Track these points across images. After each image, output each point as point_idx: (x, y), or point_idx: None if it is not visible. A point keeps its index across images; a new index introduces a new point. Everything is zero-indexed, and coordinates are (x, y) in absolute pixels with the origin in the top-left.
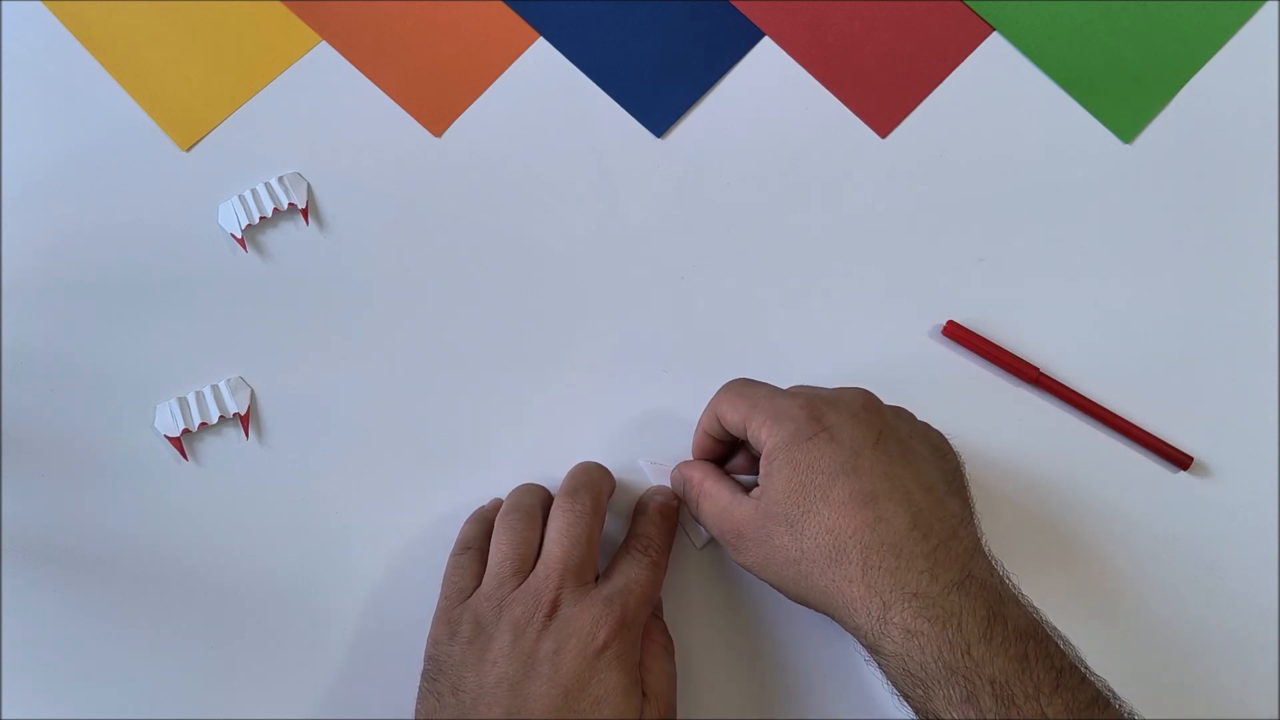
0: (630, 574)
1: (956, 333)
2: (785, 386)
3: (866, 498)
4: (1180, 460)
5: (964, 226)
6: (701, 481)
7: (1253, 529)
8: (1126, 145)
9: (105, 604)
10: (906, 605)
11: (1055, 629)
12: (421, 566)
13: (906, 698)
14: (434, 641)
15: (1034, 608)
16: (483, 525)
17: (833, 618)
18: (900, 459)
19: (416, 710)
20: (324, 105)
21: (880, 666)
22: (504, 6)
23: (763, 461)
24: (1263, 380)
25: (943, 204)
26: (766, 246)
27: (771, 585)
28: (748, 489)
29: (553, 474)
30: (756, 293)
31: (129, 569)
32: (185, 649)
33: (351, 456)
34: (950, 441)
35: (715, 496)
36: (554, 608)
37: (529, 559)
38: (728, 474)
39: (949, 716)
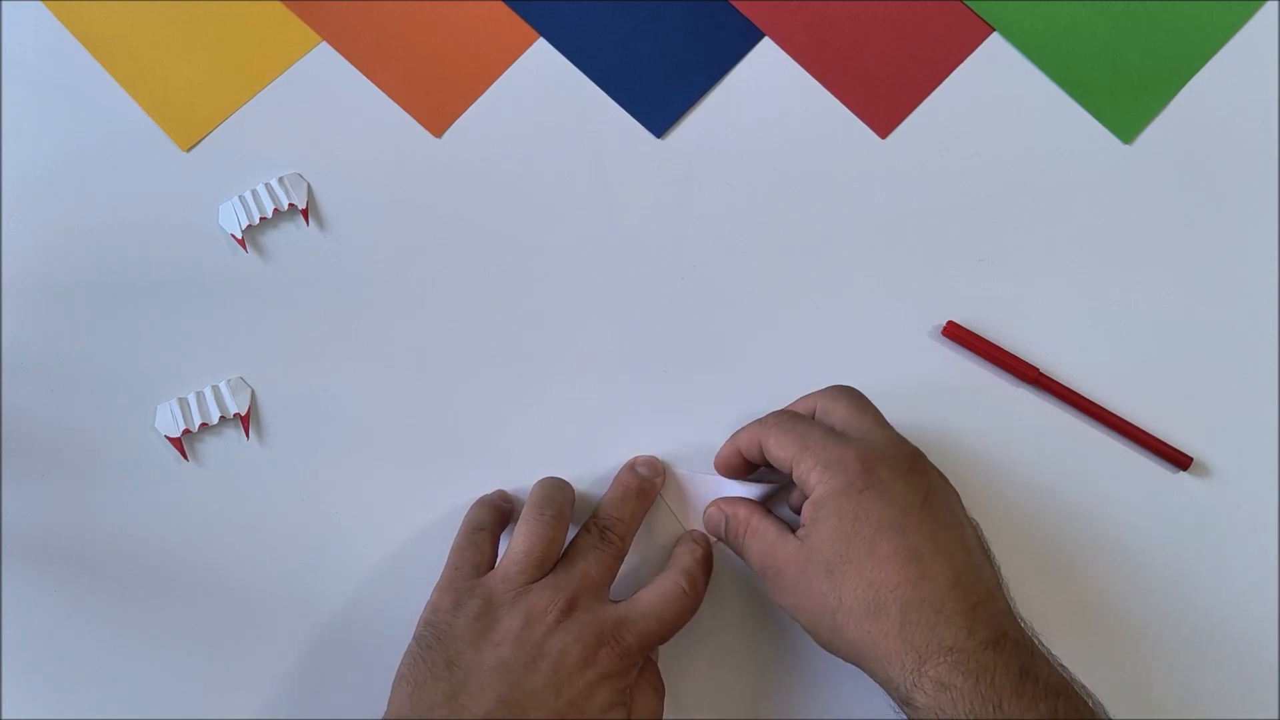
0: (658, 608)
1: (956, 333)
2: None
3: (911, 555)
4: (1180, 460)
5: (964, 226)
6: (749, 519)
7: (1253, 529)
8: (1126, 146)
9: (105, 604)
10: (942, 659)
11: (1084, 687)
12: (422, 566)
13: None
14: (435, 608)
15: (1063, 667)
16: (493, 511)
17: (863, 669)
18: (945, 521)
19: (401, 673)
20: (324, 106)
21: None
22: (504, 6)
23: (810, 506)
24: (1263, 380)
25: (943, 204)
26: (766, 247)
27: (804, 628)
28: (792, 529)
29: (551, 472)
30: (756, 293)
31: (129, 569)
32: (185, 649)
33: (352, 457)
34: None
35: (762, 533)
36: (570, 608)
37: (553, 558)
38: (771, 512)
39: None
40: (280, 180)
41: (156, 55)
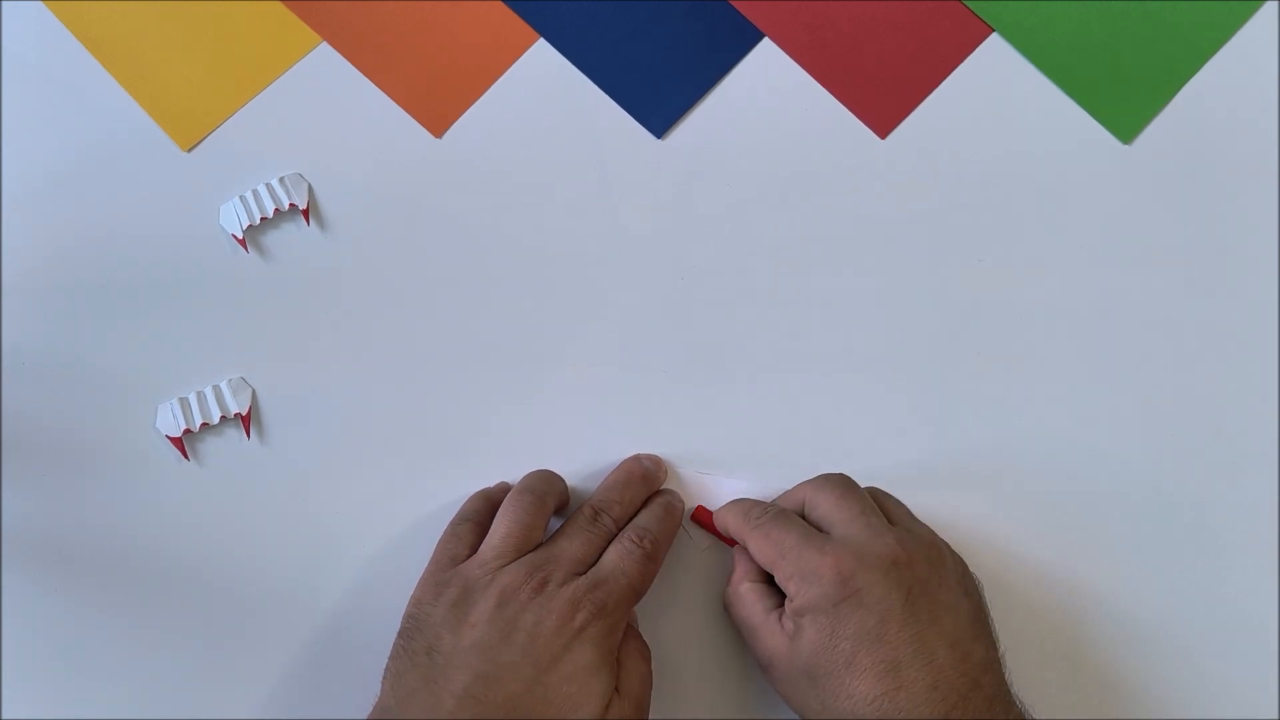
0: (619, 564)
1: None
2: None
3: (890, 667)
4: None
5: (964, 227)
6: (739, 583)
7: (1252, 529)
8: (1126, 146)
9: (105, 604)
10: None
11: None
12: (422, 568)
13: None
14: (417, 602)
15: None
16: (486, 503)
17: None
18: (928, 618)
19: (387, 668)
20: (325, 106)
21: None
22: (504, 7)
23: (791, 613)
24: (1262, 380)
25: (942, 204)
26: (766, 247)
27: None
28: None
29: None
30: (755, 294)
31: (129, 569)
32: (185, 649)
33: (353, 457)
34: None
35: (750, 609)
36: (543, 584)
37: (531, 543)
38: (768, 581)
39: None
40: (281, 180)
41: (157, 55)
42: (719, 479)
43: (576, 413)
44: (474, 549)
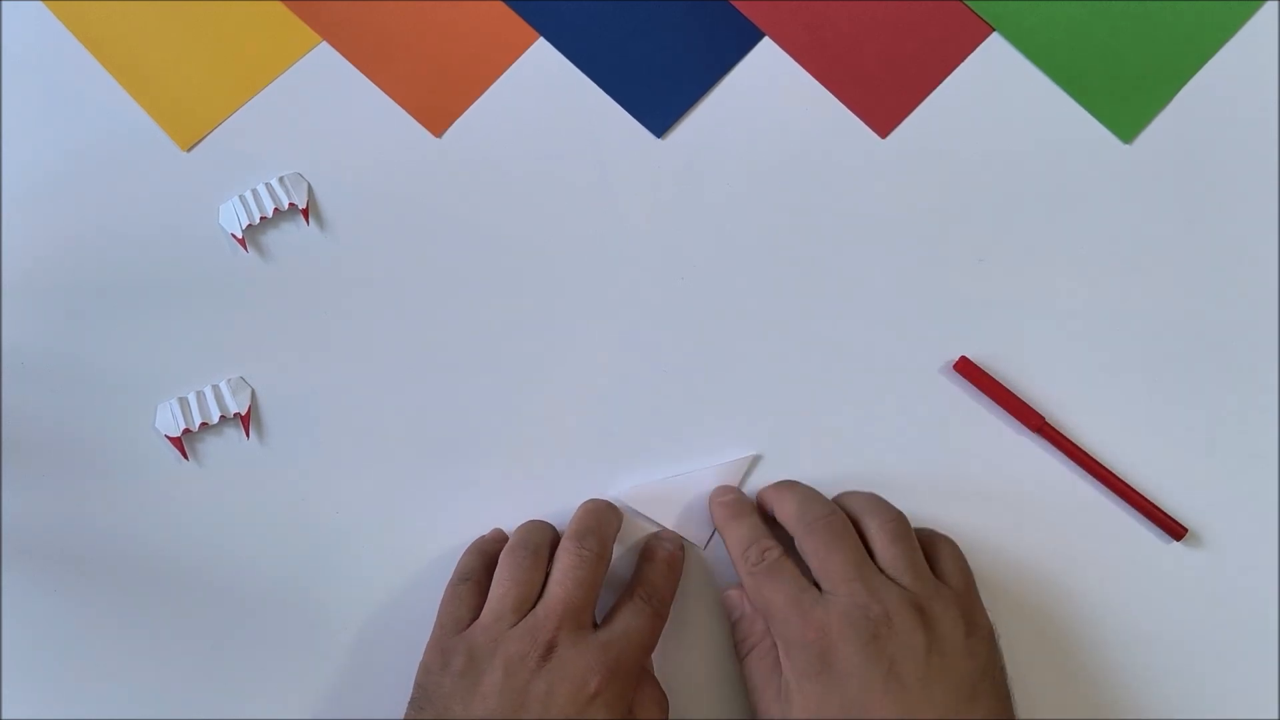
0: (631, 622)
1: (967, 370)
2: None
3: None
4: (1174, 530)
5: (964, 227)
6: (759, 643)
7: (1252, 529)
8: (1126, 145)
9: (105, 604)
10: None
11: None
12: (421, 568)
13: None
14: (425, 669)
15: None
16: (482, 558)
17: None
18: (917, 685)
19: None
20: (325, 105)
21: None
22: (504, 6)
23: (783, 682)
24: (1262, 380)
25: (943, 204)
26: (766, 246)
27: None
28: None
29: (552, 472)
30: (756, 293)
31: (129, 569)
32: (185, 649)
33: (352, 457)
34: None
35: (759, 680)
36: (550, 648)
37: (530, 598)
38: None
39: None
40: (280, 180)
41: (156, 55)
42: (698, 476)
43: (575, 412)
44: (476, 610)
